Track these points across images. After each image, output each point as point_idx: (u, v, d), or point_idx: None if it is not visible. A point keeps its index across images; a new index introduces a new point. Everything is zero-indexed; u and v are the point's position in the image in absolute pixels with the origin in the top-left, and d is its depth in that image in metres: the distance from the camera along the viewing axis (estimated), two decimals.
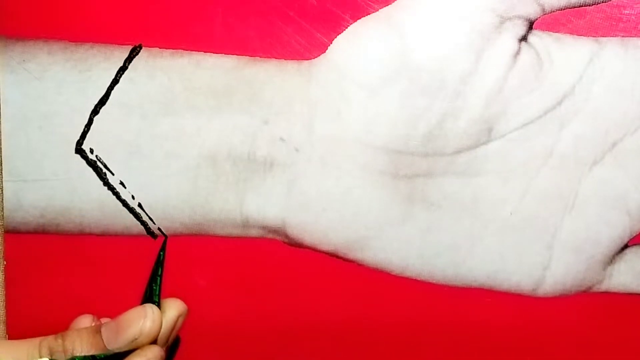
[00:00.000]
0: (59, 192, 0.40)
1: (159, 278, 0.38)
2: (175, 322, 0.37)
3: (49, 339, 0.35)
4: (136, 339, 0.35)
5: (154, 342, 0.35)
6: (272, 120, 0.40)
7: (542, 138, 0.39)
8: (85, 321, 0.37)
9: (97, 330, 0.35)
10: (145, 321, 0.35)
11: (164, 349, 0.36)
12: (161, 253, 0.39)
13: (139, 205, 0.40)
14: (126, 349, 0.34)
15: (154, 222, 0.40)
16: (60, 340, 0.35)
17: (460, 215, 0.40)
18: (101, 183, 0.40)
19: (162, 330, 0.36)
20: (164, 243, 0.39)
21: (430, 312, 0.42)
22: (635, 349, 0.42)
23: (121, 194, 0.40)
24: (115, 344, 0.34)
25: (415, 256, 0.41)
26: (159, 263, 0.38)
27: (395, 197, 0.40)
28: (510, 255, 0.40)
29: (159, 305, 0.37)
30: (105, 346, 0.34)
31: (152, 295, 0.38)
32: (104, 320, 0.37)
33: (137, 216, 0.40)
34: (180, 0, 0.39)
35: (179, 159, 0.40)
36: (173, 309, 0.37)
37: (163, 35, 0.40)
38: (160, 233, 0.41)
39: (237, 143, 0.40)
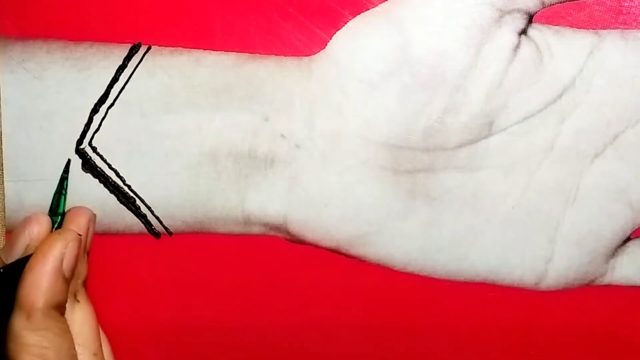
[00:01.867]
0: None
1: (64, 191, 0.39)
2: (88, 228, 0.38)
3: None
4: (28, 244, 0.36)
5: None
6: (272, 117, 0.40)
7: (543, 131, 0.39)
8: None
9: None
10: (32, 227, 0.36)
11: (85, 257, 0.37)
12: (64, 175, 0.39)
13: (144, 203, 0.40)
14: (22, 255, 0.35)
15: (160, 221, 0.40)
16: None
17: (461, 209, 0.40)
18: (102, 182, 0.40)
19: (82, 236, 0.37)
20: (67, 165, 0.39)
21: (432, 307, 0.42)
22: (638, 342, 0.42)
23: (125, 193, 0.40)
24: (11, 257, 0.35)
25: (417, 251, 0.41)
26: (62, 183, 0.39)
27: (397, 193, 0.40)
28: (512, 249, 0.40)
29: (62, 216, 0.38)
30: (4, 262, 0.35)
31: (56, 208, 0.38)
32: None
33: (140, 215, 0.40)
34: None
35: (180, 157, 0.40)
36: (81, 215, 0.38)
37: (162, 33, 0.40)
38: (165, 231, 0.41)
39: (237, 140, 0.40)
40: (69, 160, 0.40)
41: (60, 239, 0.35)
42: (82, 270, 0.38)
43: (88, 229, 0.38)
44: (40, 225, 0.36)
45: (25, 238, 0.36)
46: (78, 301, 0.37)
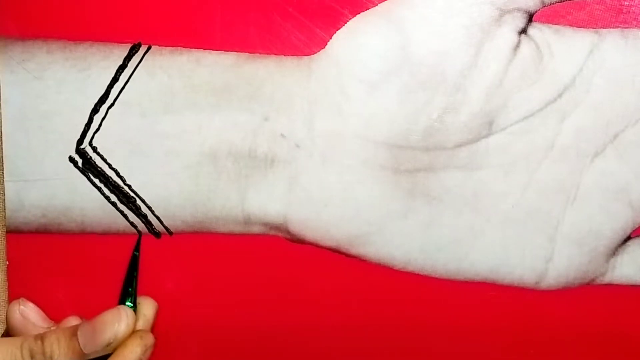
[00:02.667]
0: (60, 191, 0.40)
1: (134, 279, 0.39)
2: (154, 319, 0.39)
3: (30, 341, 0.36)
4: (111, 343, 0.36)
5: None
6: (272, 117, 0.40)
7: (543, 131, 0.39)
8: (72, 323, 0.38)
9: (74, 333, 0.36)
10: (120, 325, 0.37)
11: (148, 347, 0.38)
12: (136, 253, 0.39)
13: (144, 203, 0.40)
14: (102, 353, 0.36)
15: (160, 221, 0.40)
16: (39, 342, 0.36)
17: (462, 209, 0.40)
18: (103, 181, 0.40)
19: (144, 328, 0.38)
20: (138, 242, 0.39)
21: (432, 306, 0.42)
22: (638, 341, 0.42)
23: (125, 193, 0.40)
24: (90, 348, 0.36)
25: (417, 251, 0.41)
26: (135, 263, 0.39)
27: (397, 192, 0.40)
28: (512, 249, 0.40)
29: (135, 306, 0.38)
30: (81, 350, 0.35)
31: (126, 297, 0.39)
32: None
33: (140, 215, 0.40)
34: None
35: (180, 156, 0.40)
36: (150, 307, 0.39)
37: (162, 33, 0.40)
38: (165, 231, 0.41)
39: (237, 140, 0.40)
40: (139, 236, 0.40)
41: (141, 344, 0.37)
42: None
43: (154, 320, 0.40)
44: (128, 327, 0.37)
45: (110, 334, 0.36)
46: None
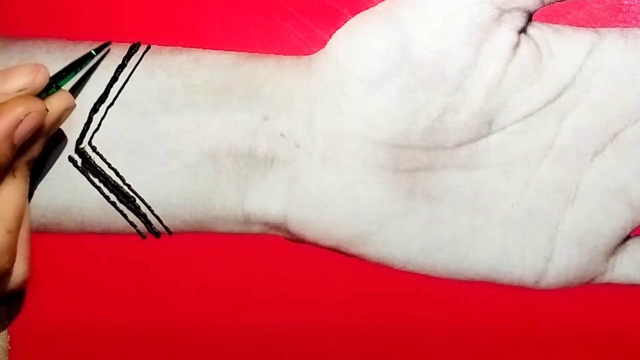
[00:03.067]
0: (59, 191, 0.40)
1: (79, 68, 0.38)
2: (61, 114, 0.37)
3: None
4: (25, 88, 0.35)
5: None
6: (272, 116, 0.40)
7: (543, 130, 0.39)
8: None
9: None
10: (37, 75, 0.35)
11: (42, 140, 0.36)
12: (93, 51, 0.38)
13: (144, 203, 0.40)
14: (8, 97, 0.35)
15: (160, 220, 0.40)
16: None
17: (461, 208, 0.40)
18: (102, 181, 0.40)
19: (47, 117, 0.36)
20: (106, 47, 0.39)
21: (432, 306, 0.42)
22: (638, 341, 0.42)
23: (124, 192, 0.40)
24: (0, 88, 0.35)
25: (417, 250, 0.41)
26: (86, 58, 0.38)
27: (397, 192, 0.40)
28: (512, 248, 0.40)
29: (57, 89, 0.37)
30: None
31: (50, 83, 0.37)
32: None
33: (140, 215, 0.40)
34: None
35: (180, 156, 0.40)
36: (63, 99, 0.37)
37: (162, 32, 0.40)
38: (165, 231, 0.41)
39: (237, 140, 0.40)
40: (107, 44, 0.39)
41: (24, 104, 0.34)
42: (34, 151, 0.37)
43: (61, 115, 0.37)
44: (44, 77, 0.35)
45: (27, 80, 0.35)
46: (14, 177, 0.36)
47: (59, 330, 0.41)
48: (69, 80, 0.38)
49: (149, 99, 0.39)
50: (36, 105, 0.35)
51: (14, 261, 0.37)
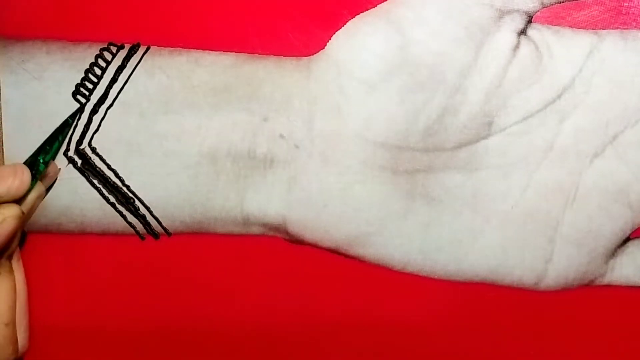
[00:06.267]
0: (60, 191, 0.40)
1: (57, 142, 0.38)
2: (34, 203, 0.38)
3: None
4: (2, 197, 0.35)
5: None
6: (271, 117, 0.40)
7: (543, 131, 0.39)
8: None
9: None
10: (14, 181, 0.36)
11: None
12: (69, 120, 0.39)
13: (143, 204, 0.40)
14: None
15: (159, 221, 0.40)
16: None
17: (461, 210, 0.40)
18: (102, 182, 0.40)
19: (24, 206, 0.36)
20: (77, 111, 0.39)
21: (432, 307, 0.42)
22: (637, 342, 0.42)
23: (124, 193, 0.40)
24: None
25: (416, 251, 0.41)
26: (64, 127, 0.38)
27: (396, 193, 0.40)
28: (512, 250, 0.40)
29: (45, 165, 0.37)
30: None
31: (37, 159, 0.38)
32: None
33: (139, 215, 0.40)
34: None
35: (179, 157, 0.40)
36: (35, 190, 0.38)
37: (161, 33, 0.40)
38: (164, 232, 0.41)
39: (237, 140, 0.40)
40: (81, 108, 0.39)
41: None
42: (14, 245, 0.37)
43: (34, 204, 0.37)
44: (22, 184, 0.36)
45: (3, 188, 0.35)
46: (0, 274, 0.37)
47: (58, 330, 0.42)
48: (53, 152, 0.39)
49: (148, 100, 0.40)
50: (11, 210, 0.36)
51: (17, 350, 0.38)
